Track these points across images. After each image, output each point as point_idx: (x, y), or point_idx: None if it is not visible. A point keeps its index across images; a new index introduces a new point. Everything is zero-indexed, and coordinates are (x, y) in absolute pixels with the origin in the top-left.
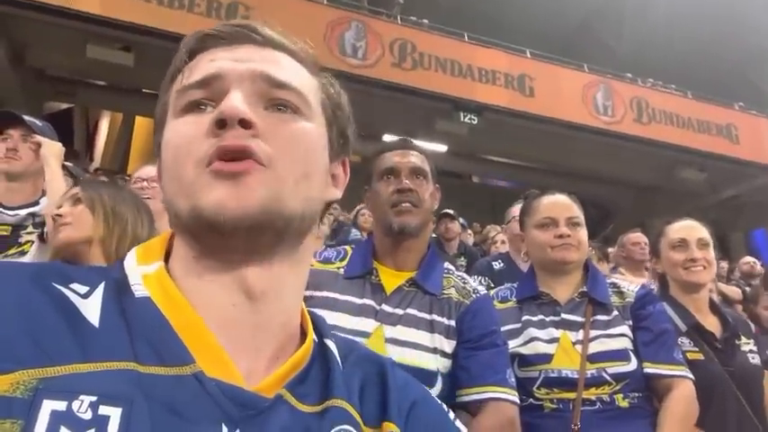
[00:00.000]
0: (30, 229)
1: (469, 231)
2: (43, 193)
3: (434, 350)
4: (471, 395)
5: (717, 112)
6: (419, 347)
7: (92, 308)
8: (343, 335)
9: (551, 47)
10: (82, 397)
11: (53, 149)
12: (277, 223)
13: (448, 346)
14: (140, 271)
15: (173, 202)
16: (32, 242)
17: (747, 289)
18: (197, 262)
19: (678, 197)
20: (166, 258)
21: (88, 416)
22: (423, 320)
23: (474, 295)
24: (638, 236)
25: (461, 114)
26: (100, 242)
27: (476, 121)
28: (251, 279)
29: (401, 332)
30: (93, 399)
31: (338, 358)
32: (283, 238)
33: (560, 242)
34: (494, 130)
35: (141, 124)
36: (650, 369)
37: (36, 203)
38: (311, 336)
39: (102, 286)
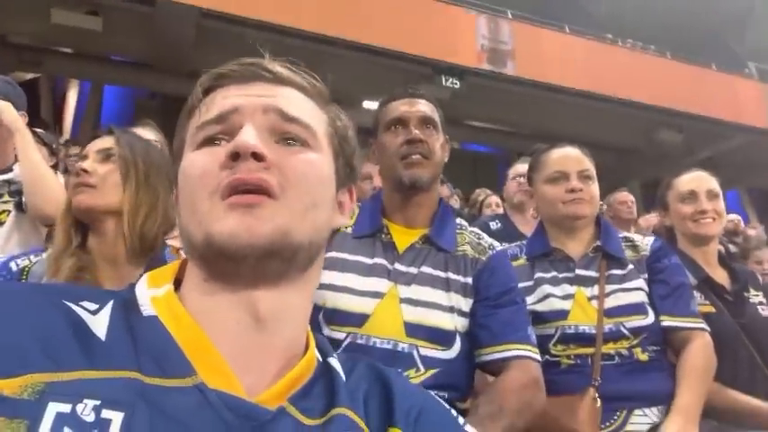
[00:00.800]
0: (5, 198)
1: (455, 197)
2: (16, 159)
3: (451, 309)
4: (494, 354)
5: (694, 72)
6: (436, 307)
7: (100, 323)
8: (355, 297)
9: (531, 11)
10: (86, 401)
11: (11, 111)
12: (285, 252)
13: (465, 304)
14: (150, 293)
15: (187, 228)
16: (9, 212)
17: (731, 246)
18: (207, 283)
19: (656, 159)
20: (177, 285)
21: (91, 418)
22: (438, 279)
23: (490, 251)
24: (624, 195)
25: (443, 78)
26: (126, 214)
27: (458, 86)
28: (258, 301)
29: (416, 292)
30: (97, 403)
31: (341, 373)
32: (291, 265)
33: (572, 197)
34: (476, 94)
35: (111, 93)
36: (667, 322)
37: (9, 170)
38: (313, 350)
39: (110, 304)
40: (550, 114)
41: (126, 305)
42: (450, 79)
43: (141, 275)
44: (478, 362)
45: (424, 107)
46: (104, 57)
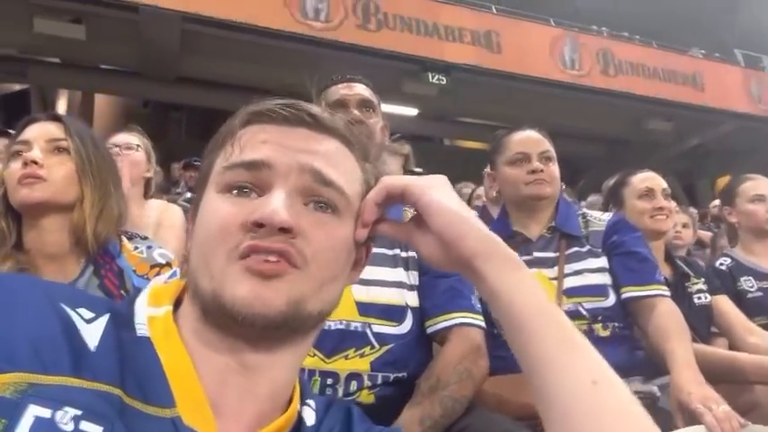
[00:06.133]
0: None
1: None
2: None
3: (400, 284)
4: (437, 324)
5: (682, 60)
6: (384, 284)
7: (92, 333)
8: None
9: (515, 3)
10: (67, 408)
11: None
12: (295, 323)
13: (410, 278)
14: (148, 312)
15: (196, 274)
16: None
17: (717, 231)
18: (202, 324)
19: (646, 148)
20: (178, 303)
21: (69, 428)
22: (385, 256)
23: None
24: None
25: (430, 75)
26: (86, 212)
27: (445, 82)
28: (248, 357)
29: (365, 271)
30: (78, 413)
31: (312, 421)
32: (297, 332)
33: (533, 177)
34: (463, 90)
35: (101, 103)
36: (632, 293)
37: None
38: (295, 407)
39: (106, 317)
40: (538, 108)
41: (121, 320)
42: (437, 76)
43: (84, 269)
44: (428, 334)
45: (362, 90)
46: (90, 65)
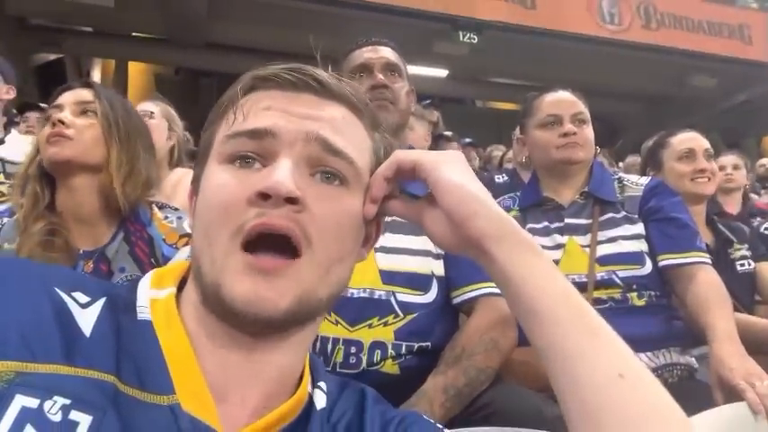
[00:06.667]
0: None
1: (473, 154)
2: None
3: (426, 253)
4: (465, 294)
5: (728, 12)
6: (409, 252)
7: (87, 318)
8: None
9: None
10: (56, 398)
11: None
12: (300, 317)
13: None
14: (150, 294)
15: (198, 254)
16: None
17: (762, 192)
18: (203, 308)
19: (689, 106)
20: (182, 285)
21: (57, 418)
22: (410, 224)
23: None
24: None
25: (460, 34)
26: (112, 172)
27: (476, 41)
28: (252, 346)
29: (388, 239)
30: (67, 402)
31: (323, 405)
32: (304, 323)
33: (565, 141)
34: (495, 49)
35: (135, 70)
36: (670, 260)
37: None
38: (305, 389)
39: (103, 300)
40: (575, 66)
41: (121, 304)
42: (468, 34)
43: (115, 234)
44: (454, 305)
45: (388, 54)
46: (121, 34)
